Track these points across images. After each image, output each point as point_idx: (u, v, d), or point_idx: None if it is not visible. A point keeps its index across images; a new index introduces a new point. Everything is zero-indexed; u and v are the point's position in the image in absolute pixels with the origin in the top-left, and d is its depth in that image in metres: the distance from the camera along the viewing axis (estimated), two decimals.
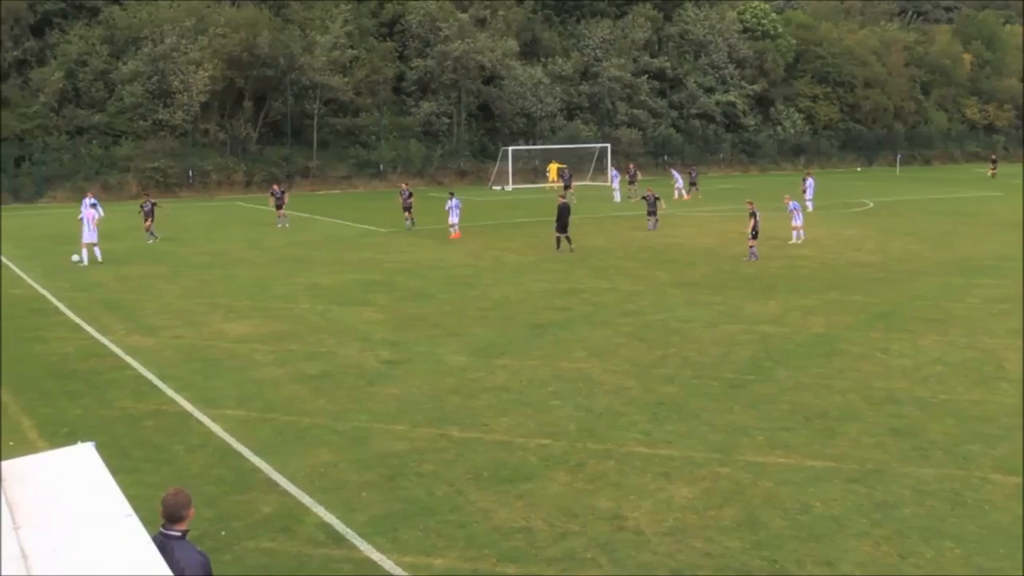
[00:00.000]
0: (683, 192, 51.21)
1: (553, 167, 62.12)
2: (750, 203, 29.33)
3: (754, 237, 28.69)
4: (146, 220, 35.03)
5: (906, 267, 27.32)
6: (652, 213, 36.71)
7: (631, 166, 56.33)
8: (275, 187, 41.58)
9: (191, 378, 15.95)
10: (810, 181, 45.12)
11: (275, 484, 11.30)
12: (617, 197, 50.46)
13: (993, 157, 73.61)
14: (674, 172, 54.18)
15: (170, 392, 15.10)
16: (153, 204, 35.77)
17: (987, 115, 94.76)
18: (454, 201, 35.00)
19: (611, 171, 56.01)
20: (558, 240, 30.82)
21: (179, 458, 12.20)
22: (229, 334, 19.21)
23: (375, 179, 62.83)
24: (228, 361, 17.07)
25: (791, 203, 33.12)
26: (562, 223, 30.56)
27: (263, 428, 13.33)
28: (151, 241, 34.32)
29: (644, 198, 37.88)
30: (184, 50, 56.88)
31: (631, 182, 52.80)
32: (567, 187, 48.87)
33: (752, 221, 28.68)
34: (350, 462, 11.95)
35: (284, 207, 39.76)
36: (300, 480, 11.37)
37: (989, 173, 67.93)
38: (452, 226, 34.75)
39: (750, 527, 10.07)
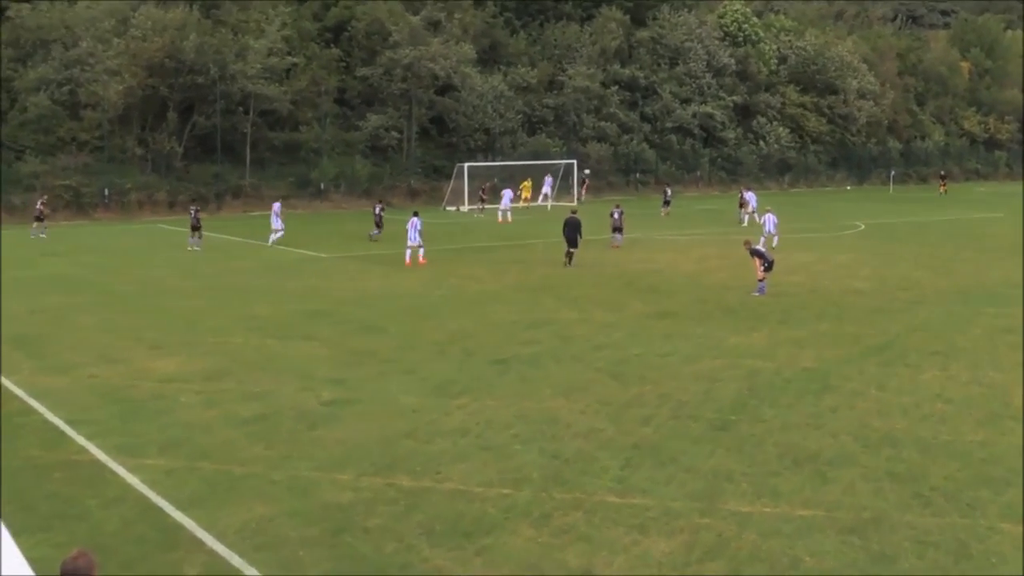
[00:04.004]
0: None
1: (527, 184, 62.81)
2: (747, 242, 28.90)
3: (766, 269, 27.58)
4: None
5: (904, 295, 27.66)
6: (618, 229, 38.84)
7: (584, 173, 61.48)
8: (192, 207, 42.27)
9: (108, 423, 15.71)
10: (750, 195, 48.11)
11: (202, 543, 11.13)
12: (549, 205, 56.28)
13: (943, 173, 79.83)
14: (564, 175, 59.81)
15: (82, 440, 14.85)
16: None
17: (987, 128, 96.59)
18: (415, 220, 34.48)
19: (546, 178, 60.11)
20: (568, 254, 33.41)
21: (93, 514, 11.99)
22: (153, 372, 18.98)
23: (316, 199, 62.58)
24: (151, 403, 16.85)
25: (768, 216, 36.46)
26: (572, 237, 33.10)
27: (190, 479, 13.15)
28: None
29: (611, 214, 39.75)
30: (100, 56, 56.51)
31: (582, 188, 58.24)
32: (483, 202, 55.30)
33: (757, 260, 27.64)
34: (289, 516, 11.82)
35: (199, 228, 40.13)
36: (231, 537, 11.22)
37: (940, 190, 74.39)
38: (411, 248, 34.10)
39: None
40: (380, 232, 41.87)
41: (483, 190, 58.67)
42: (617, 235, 38.98)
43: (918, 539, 11.08)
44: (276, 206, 42.99)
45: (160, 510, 12.09)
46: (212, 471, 13.44)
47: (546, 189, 58.11)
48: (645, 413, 16.03)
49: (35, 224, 45.19)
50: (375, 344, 21.50)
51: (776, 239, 37.32)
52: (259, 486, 12.84)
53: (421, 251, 34.45)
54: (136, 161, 59.23)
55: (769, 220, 37.37)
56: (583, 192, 58.07)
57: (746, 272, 29.78)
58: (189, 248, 39.41)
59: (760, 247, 28.53)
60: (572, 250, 33.43)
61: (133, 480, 13.12)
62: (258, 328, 23.38)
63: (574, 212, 35.21)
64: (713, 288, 29.02)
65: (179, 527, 11.59)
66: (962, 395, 17.12)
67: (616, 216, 39.20)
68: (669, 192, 57.98)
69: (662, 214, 54.49)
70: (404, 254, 34.47)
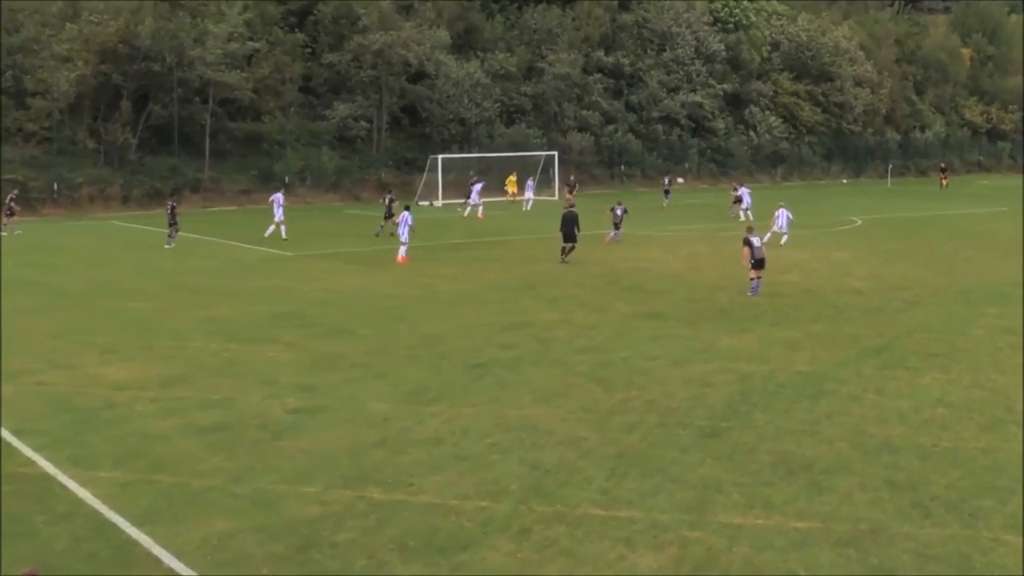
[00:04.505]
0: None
1: (512, 179, 62.93)
2: (749, 230, 28.86)
3: (755, 267, 27.54)
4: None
5: (903, 295, 27.84)
6: (617, 226, 40.06)
7: (571, 177, 61.60)
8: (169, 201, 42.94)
9: (58, 433, 15.61)
10: (744, 191, 49.53)
11: (159, 560, 11.08)
12: (528, 207, 56.83)
13: (943, 166, 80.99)
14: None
15: (30, 452, 14.74)
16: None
17: (990, 118, 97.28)
18: (405, 215, 35.31)
19: (528, 182, 60.55)
20: (563, 249, 34.29)
21: (41, 531, 11.92)
22: (107, 379, 18.87)
23: (280, 193, 62.30)
24: (104, 412, 16.75)
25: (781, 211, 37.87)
26: (568, 232, 34.09)
27: (146, 492, 13.09)
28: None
29: (612, 210, 41.06)
30: (46, 42, 56.11)
31: (571, 192, 57.44)
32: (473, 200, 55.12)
33: (746, 249, 27.71)
34: (252, 531, 11.79)
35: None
36: (190, 554, 11.17)
37: (941, 183, 76.09)
38: (403, 245, 35.01)
39: None
40: (389, 223, 42.30)
41: (470, 182, 58.97)
42: (615, 231, 40.13)
43: (918, 551, 11.16)
44: (279, 197, 43.28)
45: (114, 526, 12.02)
46: (169, 484, 13.37)
47: (528, 193, 58.58)
48: (631, 420, 16.06)
49: (5, 220, 45.52)
50: (344, 348, 21.44)
51: (785, 237, 38.29)
52: (220, 500, 12.78)
53: (402, 248, 34.83)
54: (88, 153, 58.82)
55: (783, 215, 38.49)
56: (569, 196, 58.78)
57: (738, 270, 29.89)
58: (166, 246, 39.58)
59: (755, 238, 28.06)
60: (567, 245, 34.25)
61: (85, 494, 13.03)
62: (219, 331, 23.27)
63: (571, 207, 36.16)
64: (703, 287, 29.11)
65: (134, 544, 11.52)
66: (963, 399, 17.24)
67: (619, 212, 40.44)
68: (667, 181, 60.24)
69: (664, 204, 57.35)
70: (390, 250, 35.28)
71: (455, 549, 11.28)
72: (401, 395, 17.64)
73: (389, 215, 42.06)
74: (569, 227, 34.36)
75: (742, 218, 48.09)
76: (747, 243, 27.66)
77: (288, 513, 12.34)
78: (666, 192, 59.09)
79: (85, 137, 58.72)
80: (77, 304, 27.27)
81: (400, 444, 14.93)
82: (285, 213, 42.61)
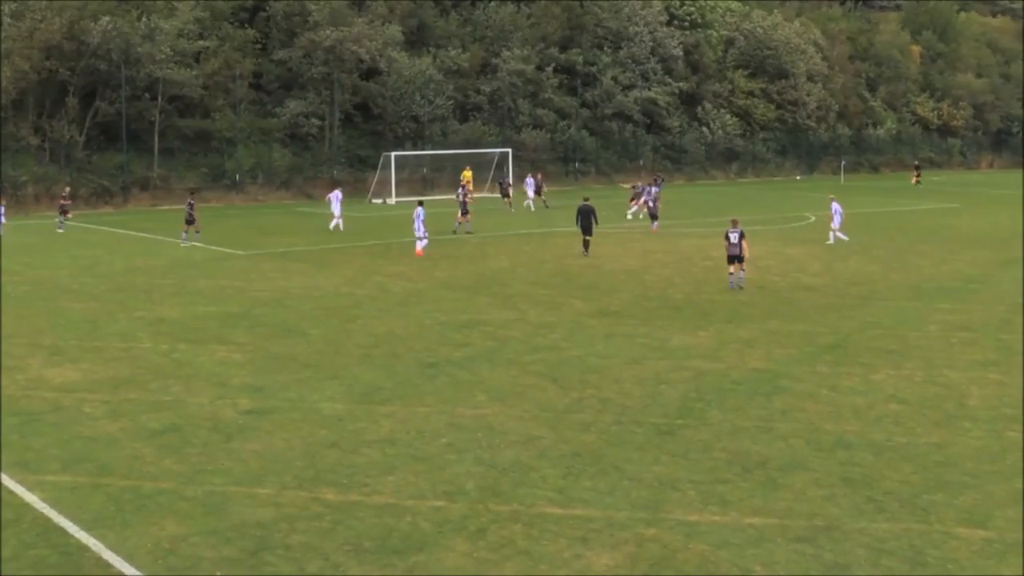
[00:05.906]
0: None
1: (468, 175, 62.63)
2: (734, 222, 28.87)
3: (728, 262, 28.32)
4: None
5: (856, 291, 28.14)
6: (654, 216, 43.48)
7: (539, 175, 60.13)
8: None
9: (4, 437, 15.41)
10: (655, 190, 50.39)
11: (109, 565, 10.99)
12: (531, 206, 55.51)
13: (916, 163, 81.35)
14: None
15: None
16: None
17: (940, 114, 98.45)
18: (419, 210, 35.89)
19: (527, 179, 59.43)
20: (585, 243, 35.10)
21: None
22: (52, 381, 18.67)
23: (231, 191, 61.96)
24: (51, 415, 16.57)
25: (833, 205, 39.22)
26: (586, 225, 34.98)
27: (95, 496, 12.96)
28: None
29: (645, 202, 44.33)
30: None
31: (537, 192, 56.75)
32: (505, 195, 55.94)
33: (725, 243, 28.64)
34: (204, 535, 11.71)
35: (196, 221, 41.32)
36: (141, 559, 11.08)
37: (913, 181, 75.60)
38: (419, 240, 35.63)
39: None
40: (467, 219, 43.07)
41: (504, 184, 58.76)
42: (654, 221, 43.09)
43: (872, 546, 11.29)
44: (337, 194, 45.06)
45: (63, 531, 11.90)
46: (119, 487, 13.25)
47: (530, 192, 57.39)
48: (586, 419, 16.12)
49: (60, 216, 46.84)
50: (296, 348, 21.34)
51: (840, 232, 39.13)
52: (171, 503, 12.69)
53: (418, 243, 35.55)
54: (32, 151, 58.06)
55: (837, 211, 39.08)
56: (537, 196, 57.96)
57: (692, 268, 30.10)
58: (181, 244, 40.05)
59: (733, 233, 28.09)
60: (587, 238, 35.06)
61: (32, 498, 12.89)
62: (168, 332, 23.08)
63: (586, 200, 36.54)
64: (656, 285, 29.26)
65: (84, 548, 11.41)
66: (916, 395, 17.47)
67: (651, 203, 42.86)
68: (660, 181, 60.30)
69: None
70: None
71: (410, 550, 11.27)
72: (354, 395, 17.60)
73: (465, 211, 42.64)
74: (586, 220, 34.96)
75: (632, 213, 49.43)
76: (725, 237, 28.25)
77: (240, 515, 12.27)
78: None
79: (29, 134, 57.94)
80: (22, 305, 26.92)
81: (354, 444, 14.89)
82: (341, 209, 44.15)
